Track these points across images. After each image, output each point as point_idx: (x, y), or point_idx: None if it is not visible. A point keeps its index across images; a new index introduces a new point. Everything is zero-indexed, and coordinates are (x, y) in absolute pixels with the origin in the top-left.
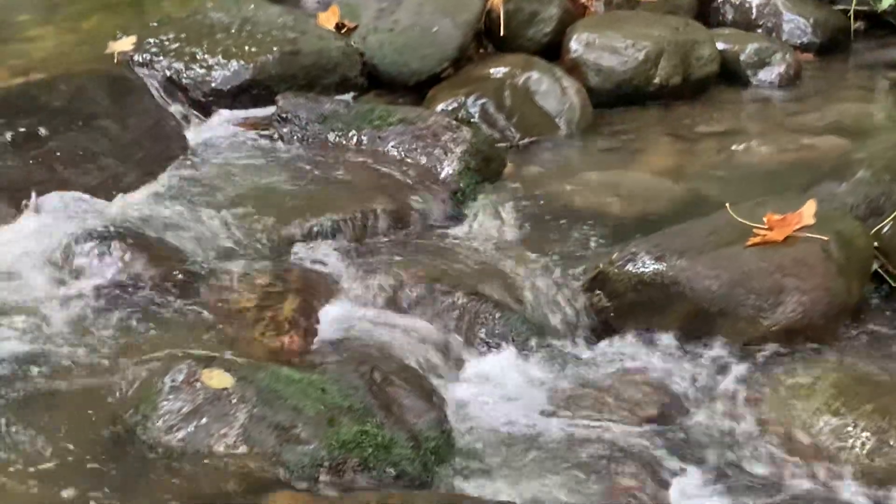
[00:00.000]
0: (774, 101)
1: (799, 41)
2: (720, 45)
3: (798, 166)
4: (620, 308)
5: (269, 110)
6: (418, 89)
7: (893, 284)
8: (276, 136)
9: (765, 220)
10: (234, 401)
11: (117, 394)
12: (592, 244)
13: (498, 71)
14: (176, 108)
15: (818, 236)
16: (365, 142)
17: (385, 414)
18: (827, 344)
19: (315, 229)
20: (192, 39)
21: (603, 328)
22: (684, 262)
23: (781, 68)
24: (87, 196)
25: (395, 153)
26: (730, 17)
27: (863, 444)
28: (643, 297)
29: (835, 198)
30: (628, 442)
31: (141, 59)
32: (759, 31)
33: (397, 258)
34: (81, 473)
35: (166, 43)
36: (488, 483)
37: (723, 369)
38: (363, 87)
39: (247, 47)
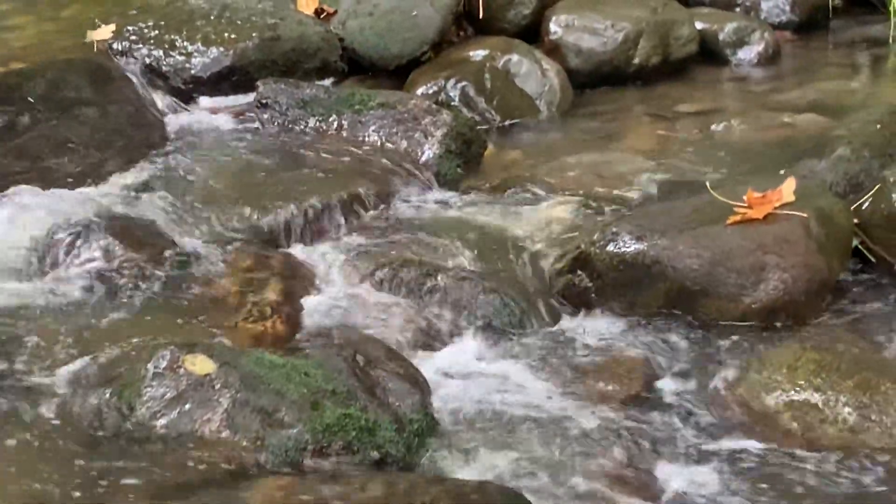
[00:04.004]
0: (754, 79)
1: (777, 20)
2: (699, 25)
3: (778, 144)
4: (602, 288)
5: (249, 97)
6: (398, 73)
7: (873, 261)
8: (256, 122)
9: (745, 198)
10: (218, 386)
11: (101, 381)
12: (573, 224)
13: (478, 54)
14: (156, 96)
15: (798, 213)
16: (346, 126)
17: (369, 397)
18: (808, 321)
19: (297, 214)
20: (172, 27)
21: (585, 308)
22: (665, 242)
23: (760, 47)
24: (68, 185)
25: (376, 137)
26: None
27: (845, 419)
28: (624, 277)
29: (815, 175)
30: (611, 421)
31: (120, 48)
32: (738, 10)
33: (379, 242)
34: (65, 461)
35: (145, 31)
36: (472, 464)
37: (705, 348)
38: (343, 72)
39: (226, 34)
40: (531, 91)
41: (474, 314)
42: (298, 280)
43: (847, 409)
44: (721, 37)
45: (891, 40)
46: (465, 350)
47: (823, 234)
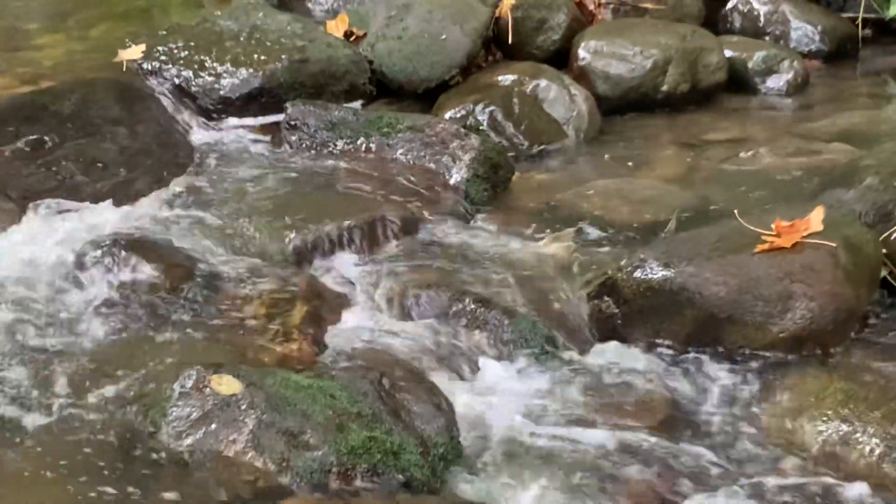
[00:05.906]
0: (782, 108)
1: (807, 49)
2: (728, 53)
3: (806, 173)
4: (628, 314)
5: (277, 118)
6: (427, 97)
7: None
8: (284, 143)
9: (773, 226)
10: (244, 406)
11: (127, 400)
12: (600, 251)
13: (506, 78)
14: (185, 116)
15: (826, 243)
16: (373, 149)
17: (394, 420)
18: (835, 350)
19: (324, 237)
20: (201, 47)
21: (611, 335)
22: (692, 269)
23: (789, 76)
24: (95, 203)
25: (404, 160)
26: (737, 24)
27: (871, 450)
28: (651, 304)
29: (843, 204)
30: (636, 448)
31: (150, 67)
32: (767, 38)
33: (406, 265)
34: (91, 480)
35: (175, 51)
36: (496, 489)
37: (731, 376)
38: (372, 95)
39: (255, 55)
40: (559, 116)
41: (500, 339)
42: (325, 302)
43: (875, 440)
44: (750, 65)
45: None
46: (491, 374)
47: (851, 264)
